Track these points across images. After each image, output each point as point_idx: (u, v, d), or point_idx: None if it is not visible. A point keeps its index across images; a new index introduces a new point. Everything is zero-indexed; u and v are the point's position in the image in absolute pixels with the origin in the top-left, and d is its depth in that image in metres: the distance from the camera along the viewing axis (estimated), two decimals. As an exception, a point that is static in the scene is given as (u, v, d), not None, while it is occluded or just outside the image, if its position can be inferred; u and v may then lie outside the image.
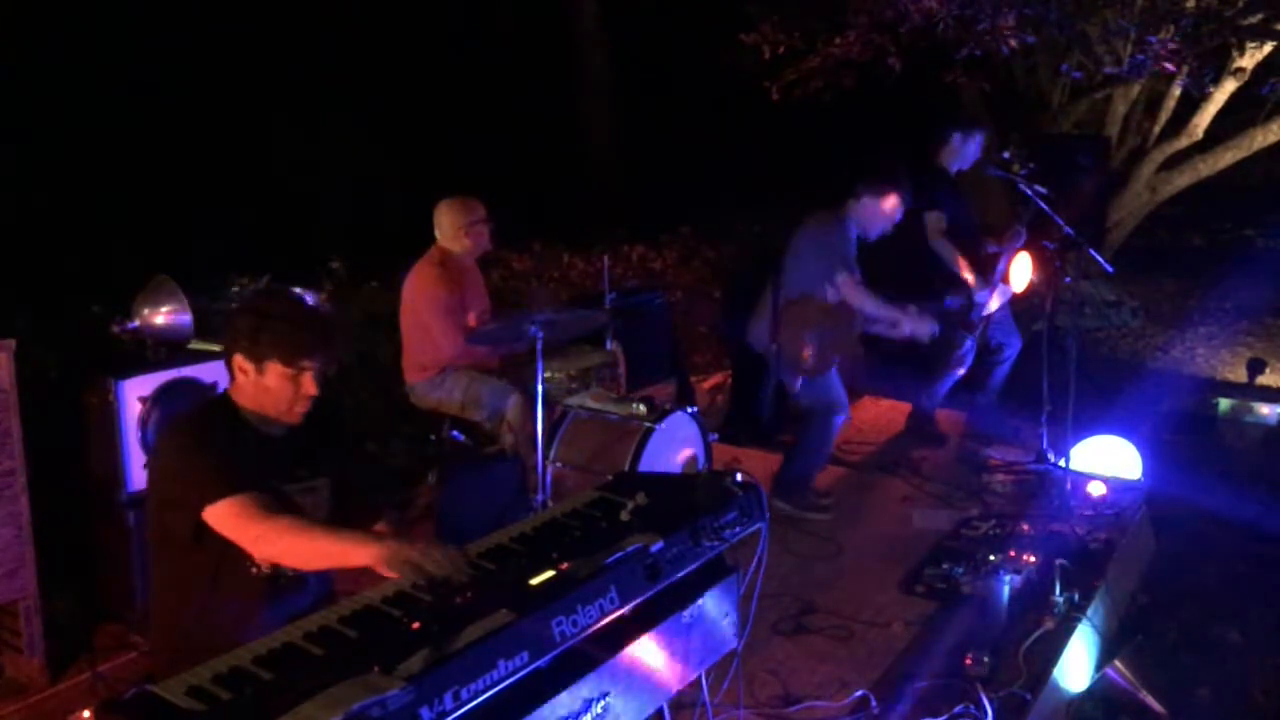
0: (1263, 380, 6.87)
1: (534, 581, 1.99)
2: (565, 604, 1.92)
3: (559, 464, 4.17)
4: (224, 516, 2.25)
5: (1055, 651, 3.50)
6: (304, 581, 2.44)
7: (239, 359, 2.40)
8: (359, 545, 2.20)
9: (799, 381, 4.56)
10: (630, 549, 2.11)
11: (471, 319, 4.43)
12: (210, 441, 2.33)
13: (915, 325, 4.66)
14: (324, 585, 2.53)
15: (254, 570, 2.35)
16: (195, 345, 3.70)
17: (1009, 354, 5.45)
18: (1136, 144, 9.23)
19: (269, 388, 2.39)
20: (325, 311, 2.51)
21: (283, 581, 2.39)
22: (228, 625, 2.30)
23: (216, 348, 3.50)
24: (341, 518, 2.53)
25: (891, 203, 4.60)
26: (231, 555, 2.32)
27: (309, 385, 2.40)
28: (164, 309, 3.64)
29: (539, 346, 3.93)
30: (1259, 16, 7.04)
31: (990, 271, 4.76)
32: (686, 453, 4.34)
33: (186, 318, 3.64)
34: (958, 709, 3.14)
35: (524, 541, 2.33)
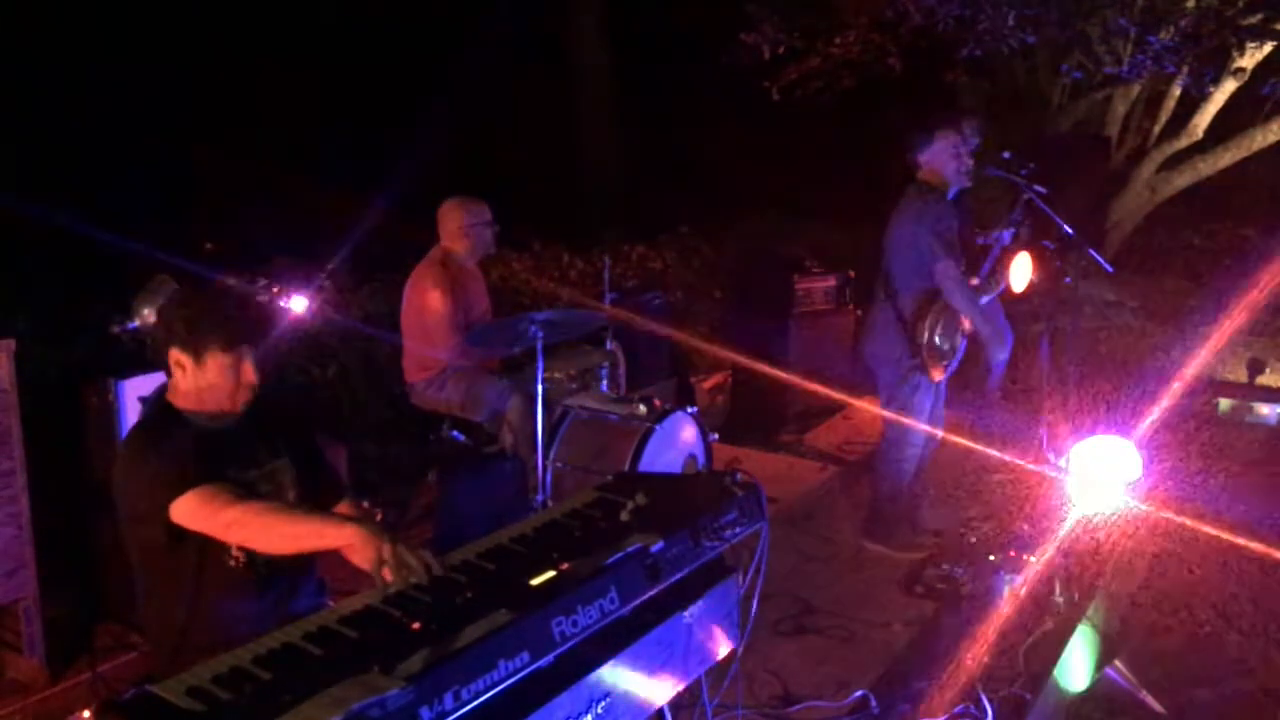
0: (1263, 380, 6.87)
1: (534, 581, 1.99)
2: (565, 604, 1.92)
3: (559, 464, 4.17)
4: (190, 510, 2.23)
5: (1055, 651, 3.50)
6: (282, 568, 2.42)
7: (175, 353, 2.37)
8: (331, 526, 2.20)
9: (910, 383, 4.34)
10: (630, 549, 2.10)
11: (472, 320, 4.43)
12: (156, 446, 2.31)
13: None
14: (304, 570, 2.52)
15: (232, 564, 2.35)
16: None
17: (1002, 356, 5.44)
18: (1136, 144, 9.23)
19: (209, 380, 2.36)
20: (258, 297, 2.48)
21: (261, 571, 2.38)
22: (217, 621, 2.31)
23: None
24: (309, 498, 2.53)
25: (941, 140, 4.23)
26: (210, 552, 2.32)
27: (249, 373, 2.38)
28: (164, 309, 3.64)
29: (539, 346, 3.93)
30: (1259, 16, 7.04)
31: (980, 264, 4.74)
32: (686, 453, 4.34)
33: (186, 318, 3.63)
34: (958, 709, 3.14)
35: (524, 541, 2.33)
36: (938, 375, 4.32)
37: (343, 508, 2.62)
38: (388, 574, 2.04)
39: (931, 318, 4.19)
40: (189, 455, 2.29)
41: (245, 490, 2.36)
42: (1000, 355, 5.41)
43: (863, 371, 4.82)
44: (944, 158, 4.24)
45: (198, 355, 2.35)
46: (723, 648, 2.46)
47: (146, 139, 9.00)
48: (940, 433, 4.61)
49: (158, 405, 2.47)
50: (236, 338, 2.36)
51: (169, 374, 2.42)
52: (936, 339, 4.21)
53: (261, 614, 2.35)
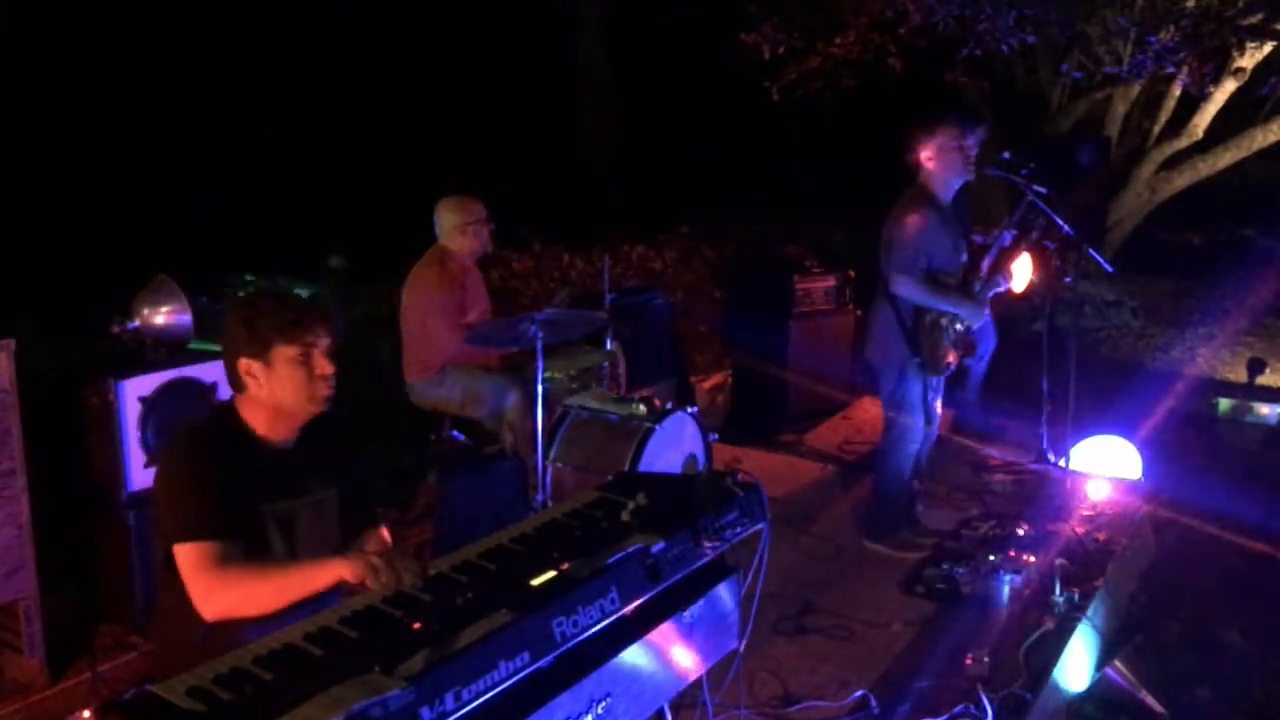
0: (1263, 380, 6.88)
1: (534, 582, 1.98)
2: (566, 604, 1.92)
3: (559, 464, 4.17)
4: (185, 561, 2.19)
5: (1055, 651, 3.50)
6: None
7: (244, 363, 2.29)
8: (316, 571, 2.15)
9: (901, 387, 4.32)
10: (631, 549, 2.10)
11: (472, 318, 4.43)
12: (199, 474, 2.24)
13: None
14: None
15: None
16: (195, 345, 3.69)
17: (984, 352, 5.45)
18: (1136, 144, 9.24)
19: (283, 381, 2.29)
20: (315, 296, 2.46)
21: None
22: (227, 631, 2.26)
23: (217, 348, 3.48)
24: (348, 531, 2.50)
25: (943, 135, 4.17)
26: None
27: (322, 364, 2.31)
28: (164, 309, 3.64)
29: (539, 346, 3.93)
30: (1259, 16, 7.05)
31: (979, 264, 4.75)
32: (686, 453, 4.34)
33: (186, 318, 3.63)
34: (958, 709, 3.14)
35: (524, 541, 2.32)
36: (940, 374, 4.31)
37: (369, 534, 2.56)
38: (382, 579, 2.05)
39: (931, 316, 4.19)
40: (219, 493, 2.21)
41: (282, 524, 2.31)
42: (979, 358, 5.42)
43: (863, 371, 4.82)
44: (946, 152, 4.19)
45: (265, 356, 2.28)
46: (723, 648, 2.46)
47: (147, 139, 9.01)
48: (935, 430, 4.59)
49: (223, 411, 2.39)
50: (297, 326, 2.28)
51: (241, 388, 2.34)
52: (939, 336, 4.20)
53: (268, 629, 2.32)
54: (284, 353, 2.29)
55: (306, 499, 2.40)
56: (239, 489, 2.26)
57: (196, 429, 2.40)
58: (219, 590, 2.17)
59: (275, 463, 2.36)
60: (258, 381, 2.31)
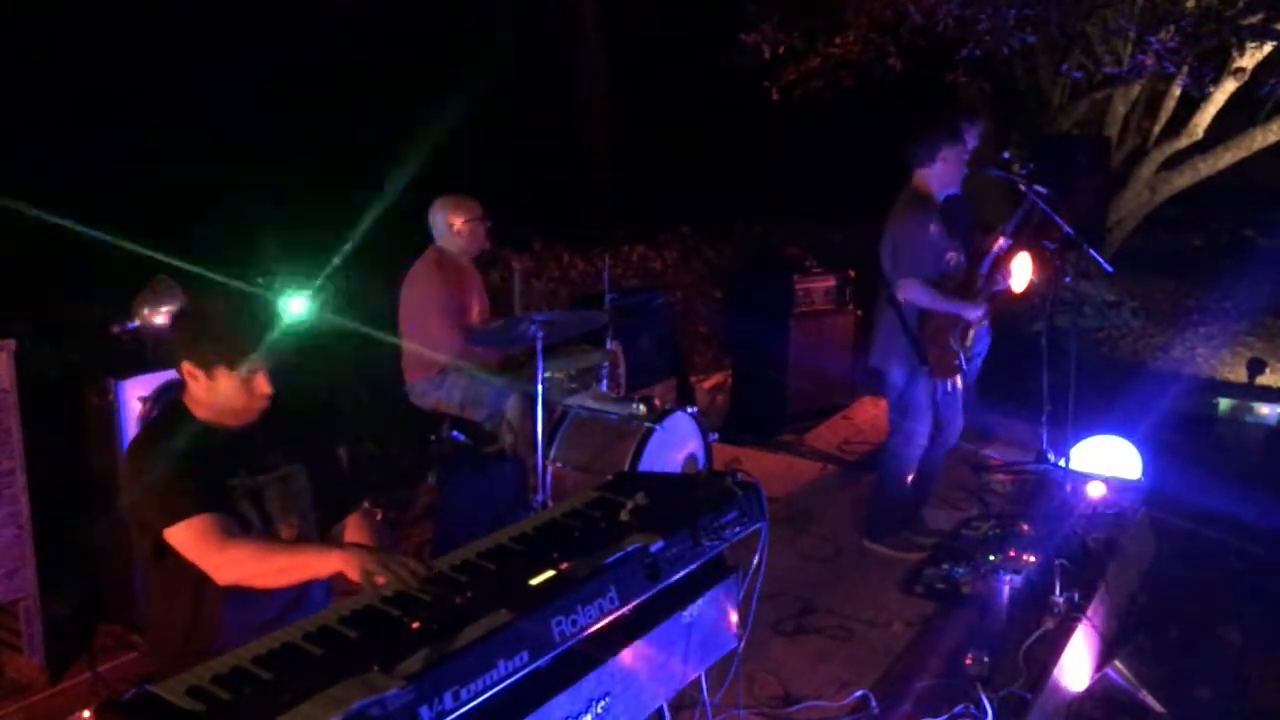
0: (1263, 380, 6.88)
1: (534, 581, 1.99)
2: (565, 604, 1.92)
3: (559, 464, 4.17)
4: (184, 540, 2.23)
5: (1055, 651, 3.50)
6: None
7: (187, 365, 2.35)
8: (316, 556, 2.21)
9: (911, 388, 4.32)
10: (630, 549, 2.10)
11: (471, 318, 4.42)
12: (167, 459, 2.28)
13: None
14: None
15: None
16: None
17: (979, 350, 5.44)
18: (1136, 144, 9.23)
19: (221, 391, 2.34)
20: (267, 306, 2.49)
21: None
22: (220, 629, 2.30)
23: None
24: (324, 505, 2.53)
25: (953, 151, 4.21)
26: None
27: (263, 385, 2.35)
28: (164, 309, 3.64)
29: (539, 346, 3.93)
30: (1259, 16, 7.04)
31: (979, 264, 4.74)
32: (686, 453, 4.34)
33: (187, 318, 3.63)
34: (958, 709, 3.14)
35: (524, 541, 2.33)
36: (948, 377, 4.29)
37: (353, 519, 2.60)
38: (380, 580, 2.06)
39: (935, 320, 4.18)
40: (195, 472, 2.27)
41: (251, 497, 2.36)
42: (975, 355, 5.41)
43: (863, 371, 4.82)
44: (953, 162, 4.21)
45: (208, 371, 2.33)
46: (723, 647, 2.46)
47: (147, 137, 9.01)
48: (954, 435, 4.57)
49: (170, 407, 2.45)
50: (242, 354, 2.31)
51: (184, 381, 2.40)
52: (944, 339, 4.19)
53: (267, 625, 2.32)
54: (225, 374, 2.33)
55: (272, 474, 2.43)
56: (205, 468, 2.30)
57: (150, 428, 2.48)
58: (228, 564, 2.23)
59: (234, 442, 2.40)
60: (198, 384, 2.37)
